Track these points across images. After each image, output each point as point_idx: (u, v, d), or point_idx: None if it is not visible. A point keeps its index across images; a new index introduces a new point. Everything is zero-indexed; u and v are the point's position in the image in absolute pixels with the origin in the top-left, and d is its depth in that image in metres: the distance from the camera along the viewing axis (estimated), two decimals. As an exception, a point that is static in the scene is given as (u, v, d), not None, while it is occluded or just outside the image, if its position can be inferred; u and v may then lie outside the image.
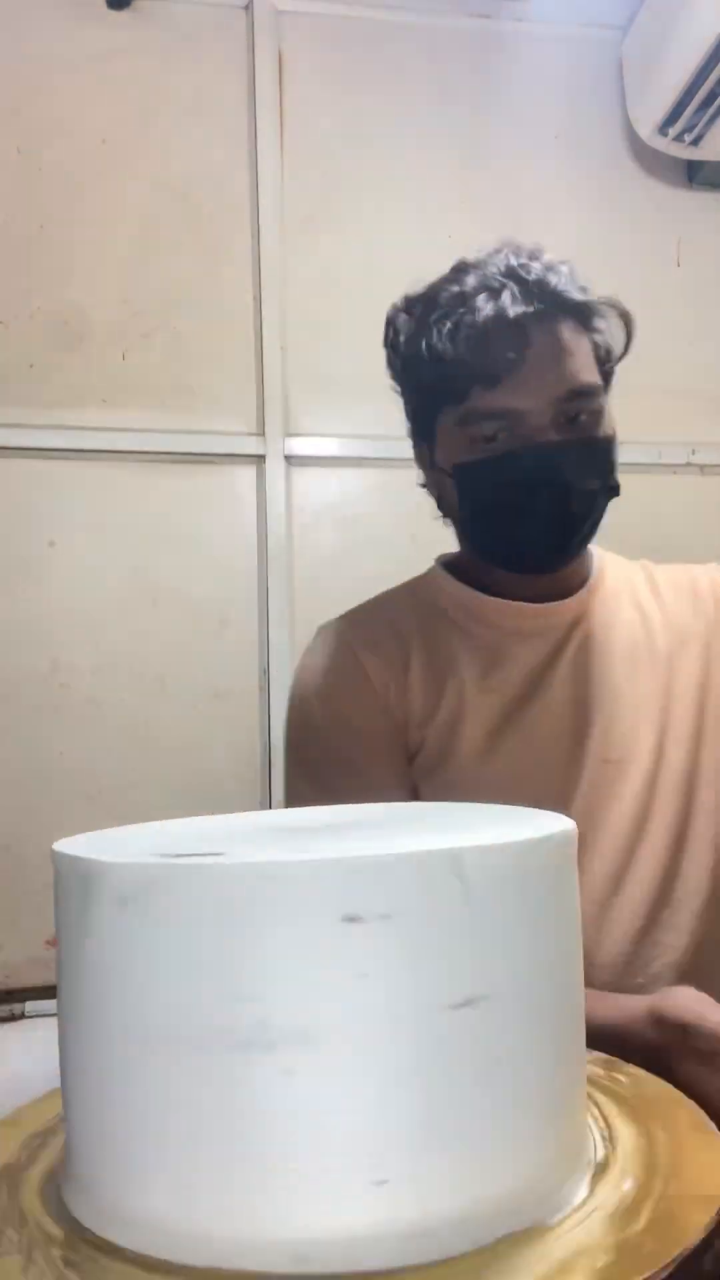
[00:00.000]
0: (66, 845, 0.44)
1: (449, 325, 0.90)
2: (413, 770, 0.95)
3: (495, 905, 0.40)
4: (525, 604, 0.98)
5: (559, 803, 0.90)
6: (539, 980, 0.42)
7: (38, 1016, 1.74)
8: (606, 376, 0.96)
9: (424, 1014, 0.38)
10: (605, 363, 0.95)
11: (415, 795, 0.94)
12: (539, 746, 0.94)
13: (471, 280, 0.91)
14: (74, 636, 1.81)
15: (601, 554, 1.06)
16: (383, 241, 2.00)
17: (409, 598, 1.03)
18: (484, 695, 0.95)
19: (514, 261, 0.90)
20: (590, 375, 0.92)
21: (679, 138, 2.04)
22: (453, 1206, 0.39)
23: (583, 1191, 0.43)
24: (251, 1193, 0.38)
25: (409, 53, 2.09)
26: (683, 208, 2.19)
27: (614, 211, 2.16)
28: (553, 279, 0.90)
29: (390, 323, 0.98)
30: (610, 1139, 0.47)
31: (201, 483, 1.91)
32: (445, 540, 1.07)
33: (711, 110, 1.95)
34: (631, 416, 2.16)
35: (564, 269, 0.92)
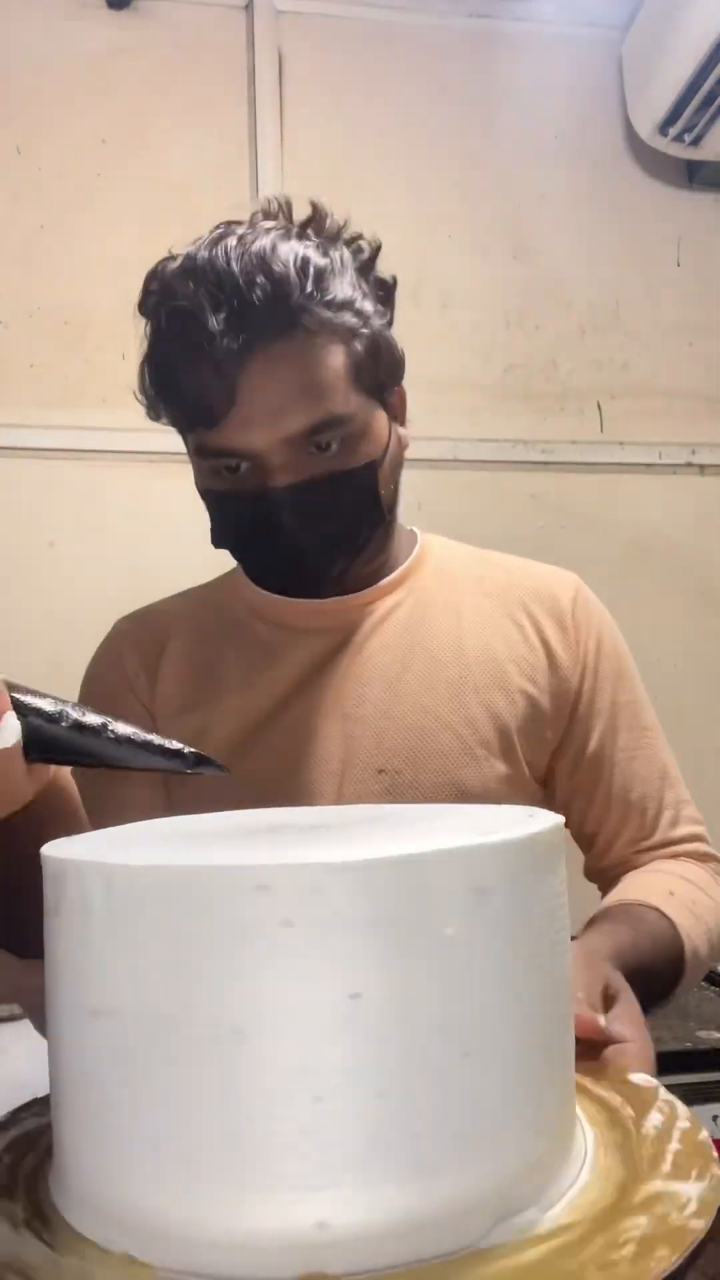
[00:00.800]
0: (52, 849, 0.45)
1: (152, 354, 0.81)
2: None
3: (479, 909, 0.40)
4: (306, 601, 0.90)
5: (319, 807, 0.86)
6: (526, 984, 0.42)
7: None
8: (379, 386, 0.84)
9: (412, 1011, 0.38)
10: (375, 368, 0.83)
11: (166, 794, 0.89)
12: (299, 750, 0.86)
13: (183, 294, 0.77)
14: (74, 636, 1.81)
15: (428, 544, 0.97)
16: (383, 241, 2.00)
17: (198, 594, 0.99)
18: (244, 694, 0.89)
19: (236, 267, 0.75)
20: (336, 403, 0.79)
21: (679, 138, 2.04)
22: (445, 1204, 0.39)
23: (575, 1183, 0.43)
24: (235, 1193, 0.38)
25: (409, 53, 2.09)
26: (683, 208, 2.19)
27: (614, 211, 2.16)
28: (293, 287, 0.76)
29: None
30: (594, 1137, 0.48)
31: (201, 483, 1.91)
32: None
33: (711, 110, 1.95)
34: (631, 416, 2.19)
35: (318, 262, 0.78)
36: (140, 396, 0.85)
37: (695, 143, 2.04)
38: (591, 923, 0.82)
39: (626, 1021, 0.61)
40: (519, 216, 2.13)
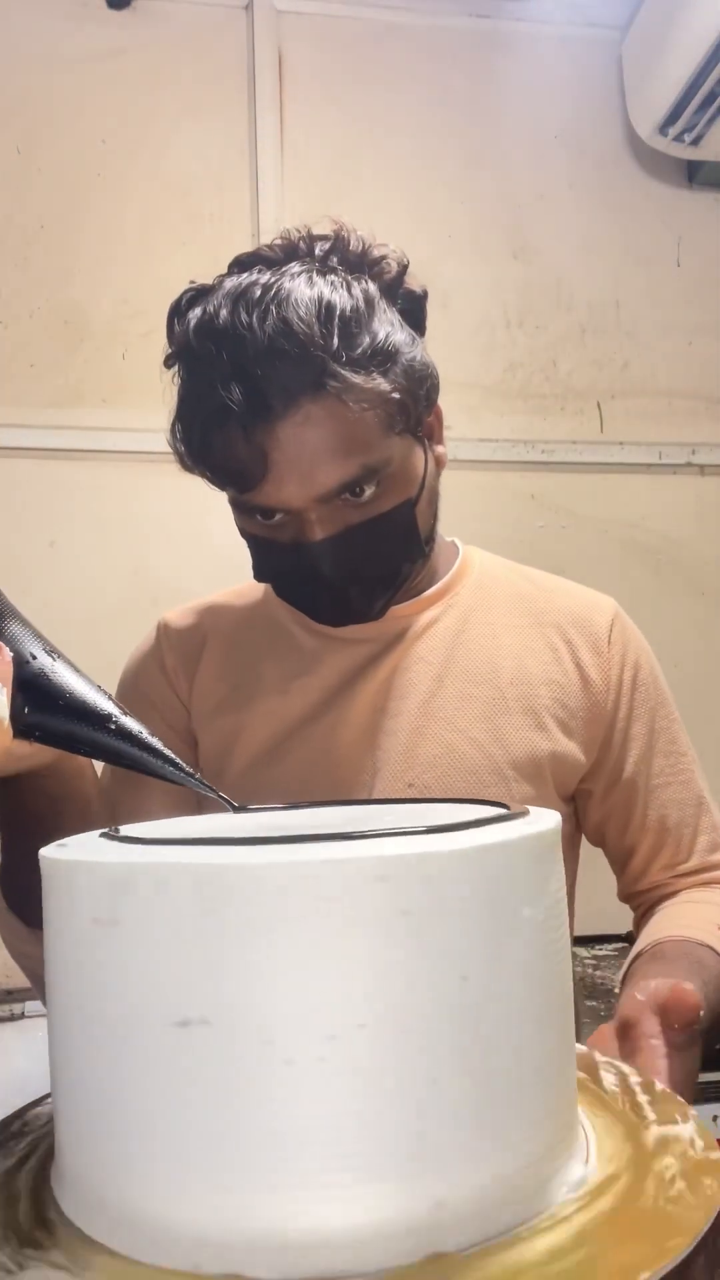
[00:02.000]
0: (52, 850, 0.45)
1: (182, 416, 0.80)
2: (201, 770, 0.91)
3: (490, 902, 0.40)
4: None
5: None
6: (529, 973, 0.42)
7: (38, 1016, 1.74)
8: (415, 420, 0.82)
9: (422, 1007, 0.38)
10: (409, 405, 0.80)
11: (196, 799, 0.89)
12: (331, 759, 0.87)
13: (205, 356, 0.75)
14: (74, 636, 1.81)
15: (470, 558, 0.96)
16: (383, 241, 2.00)
17: (240, 593, 0.99)
18: (280, 699, 0.89)
19: (259, 333, 0.72)
20: (371, 455, 0.76)
21: (679, 138, 2.04)
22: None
23: (580, 1178, 0.43)
24: (241, 1192, 0.38)
25: (409, 53, 2.10)
26: (683, 208, 2.20)
27: (614, 211, 2.17)
28: (316, 339, 0.72)
29: None
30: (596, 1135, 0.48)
31: (201, 483, 1.91)
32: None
33: (711, 110, 1.95)
34: (631, 416, 2.19)
35: (344, 307, 0.75)
36: (173, 450, 0.83)
37: (695, 143, 2.04)
38: (642, 956, 0.81)
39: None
40: (519, 216, 2.14)
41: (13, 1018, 1.74)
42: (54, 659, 0.55)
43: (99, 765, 0.74)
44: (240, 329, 0.73)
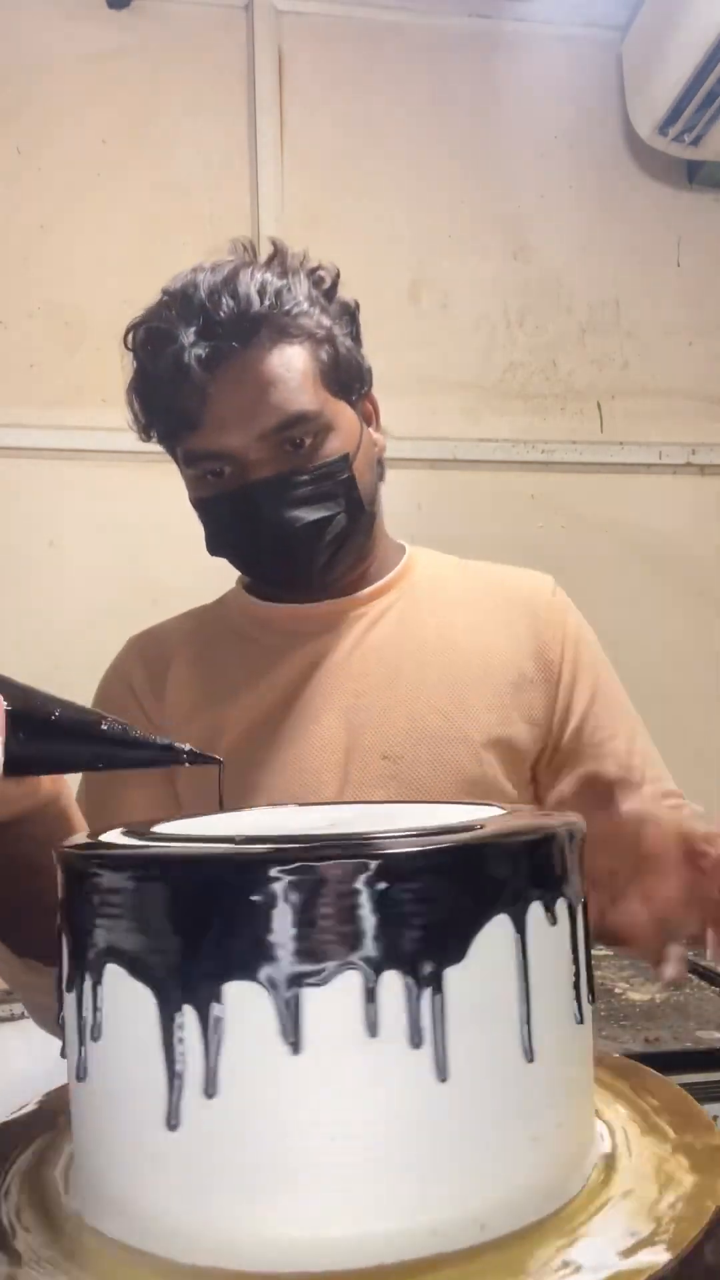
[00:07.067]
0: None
1: (135, 378, 0.90)
2: (177, 774, 0.95)
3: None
4: (302, 605, 0.97)
5: (324, 794, 0.91)
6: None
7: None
8: (346, 387, 0.92)
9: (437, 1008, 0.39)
10: (340, 372, 0.91)
11: (174, 792, 0.95)
12: (303, 742, 0.93)
13: (159, 318, 0.88)
14: (74, 636, 1.81)
15: (415, 554, 1.04)
16: (383, 241, 2.00)
17: (202, 613, 1.06)
18: (249, 695, 0.95)
19: (204, 291, 0.86)
20: (304, 399, 0.87)
21: (679, 138, 2.04)
22: (460, 1201, 0.39)
23: (592, 1179, 0.43)
24: (256, 1190, 0.38)
25: (409, 53, 2.09)
26: (683, 208, 2.20)
27: (614, 211, 2.17)
28: (254, 302, 0.85)
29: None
30: (614, 1135, 0.48)
31: (201, 483, 1.91)
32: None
33: (711, 110, 1.95)
34: (632, 416, 2.19)
35: (277, 284, 0.87)
36: (131, 424, 0.93)
37: (695, 143, 2.04)
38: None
39: None
40: (519, 216, 2.14)
41: (12, 1018, 1.74)
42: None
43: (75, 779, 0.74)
44: (189, 291, 0.86)
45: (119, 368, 1.94)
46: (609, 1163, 0.45)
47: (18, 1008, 1.76)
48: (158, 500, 1.92)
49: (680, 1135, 0.47)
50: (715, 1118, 1.56)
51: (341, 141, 2.05)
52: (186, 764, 0.55)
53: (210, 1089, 0.38)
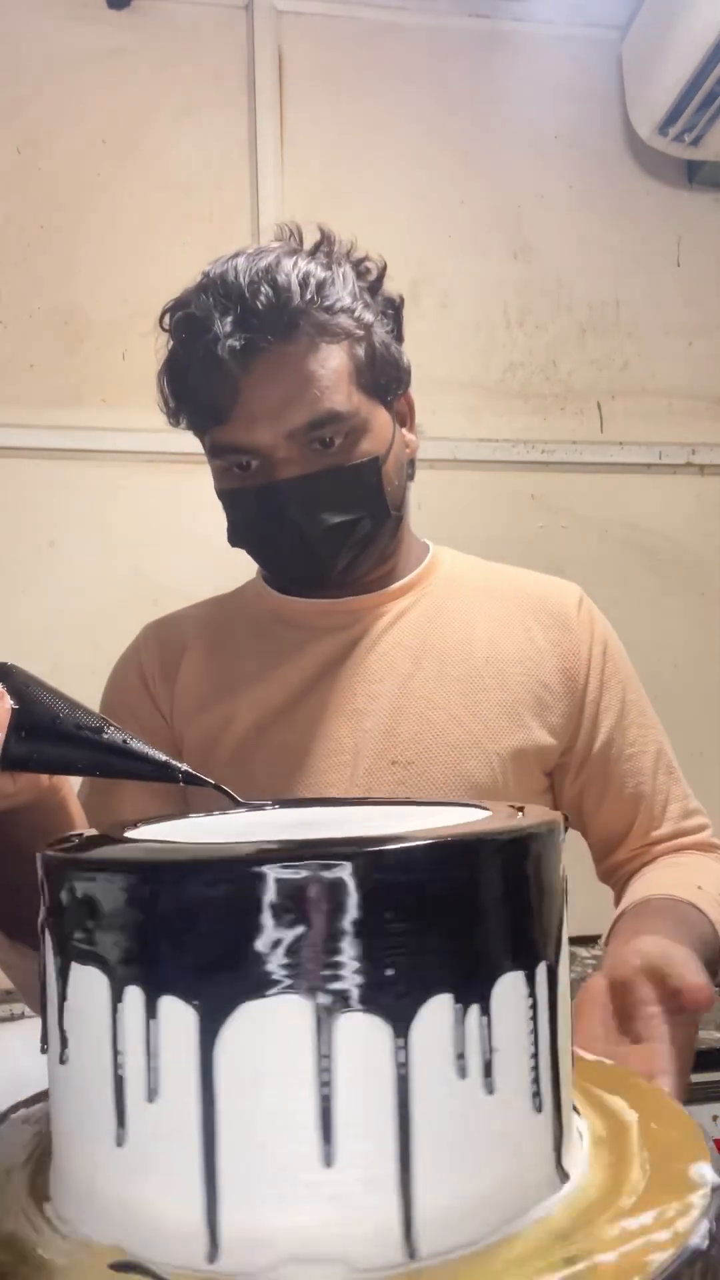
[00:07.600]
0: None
1: (168, 361, 0.88)
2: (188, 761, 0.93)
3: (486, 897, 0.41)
4: (321, 600, 0.95)
5: (330, 795, 0.89)
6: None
7: (38, 1016, 1.73)
8: (382, 387, 0.89)
9: (423, 1004, 0.39)
10: (376, 372, 0.88)
11: (180, 790, 0.91)
12: (310, 743, 0.91)
13: (196, 304, 0.84)
14: (74, 636, 1.81)
15: (439, 554, 1.02)
16: (383, 241, 1.99)
17: (221, 601, 1.04)
18: (261, 689, 0.93)
19: (244, 279, 0.82)
20: (337, 399, 0.84)
21: (679, 138, 2.04)
22: (448, 1204, 0.39)
23: (576, 1177, 0.43)
24: (241, 1194, 0.38)
25: (409, 53, 2.10)
26: (683, 208, 2.20)
27: (614, 211, 2.17)
28: (294, 294, 0.82)
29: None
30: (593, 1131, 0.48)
31: (201, 483, 1.90)
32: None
33: (711, 110, 1.95)
34: (631, 416, 2.18)
35: (320, 275, 0.84)
36: (161, 405, 0.90)
37: (695, 143, 2.04)
38: (627, 914, 0.83)
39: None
40: (519, 216, 2.14)
41: (13, 1018, 1.74)
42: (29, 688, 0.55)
43: (76, 782, 0.74)
44: (228, 279, 0.83)
45: (119, 368, 1.94)
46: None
47: (18, 1007, 1.76)
48: (158, 500, 1.92)
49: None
50: (715, 1117, 1.56)
51: (341, 141, 2.06)
52: (181, 784, 0.54)
53: (152, 1095, 0.39)
